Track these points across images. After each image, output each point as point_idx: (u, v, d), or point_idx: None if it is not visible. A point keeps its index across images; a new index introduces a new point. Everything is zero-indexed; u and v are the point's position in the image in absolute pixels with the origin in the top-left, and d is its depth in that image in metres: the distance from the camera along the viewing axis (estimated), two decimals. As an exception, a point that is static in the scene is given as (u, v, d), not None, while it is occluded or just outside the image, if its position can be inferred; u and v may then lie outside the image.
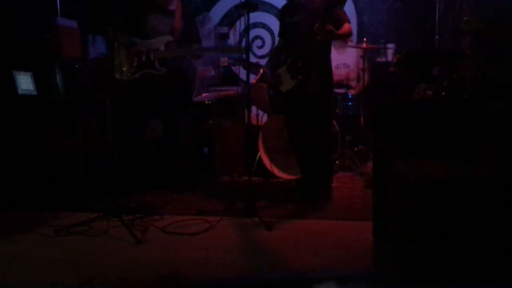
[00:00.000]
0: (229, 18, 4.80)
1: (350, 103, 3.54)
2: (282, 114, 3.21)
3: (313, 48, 2.63)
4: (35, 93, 3.25)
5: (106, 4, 3.33)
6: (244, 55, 4.26)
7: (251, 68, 3.64)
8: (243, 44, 4.62)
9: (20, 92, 3.13)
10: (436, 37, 3.77)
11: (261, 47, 4.78)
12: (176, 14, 3.01)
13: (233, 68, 4.61)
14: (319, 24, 2.50)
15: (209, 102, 3.42)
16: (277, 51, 3.12)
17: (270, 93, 3.19)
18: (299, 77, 2.72)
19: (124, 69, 2.93)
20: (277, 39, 3.29)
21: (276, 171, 3.50)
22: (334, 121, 3.51)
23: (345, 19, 2.68)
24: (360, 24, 4.42)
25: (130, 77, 2.94)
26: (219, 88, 3.97)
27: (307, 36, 2.61)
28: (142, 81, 2.97)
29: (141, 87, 2.98)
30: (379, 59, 3.93)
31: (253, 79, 3.70)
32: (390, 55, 3.77)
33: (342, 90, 3.94)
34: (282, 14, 3.01)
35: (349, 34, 2.71)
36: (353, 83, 4.02)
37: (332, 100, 2.94)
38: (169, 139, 3.13)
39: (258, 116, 3.89)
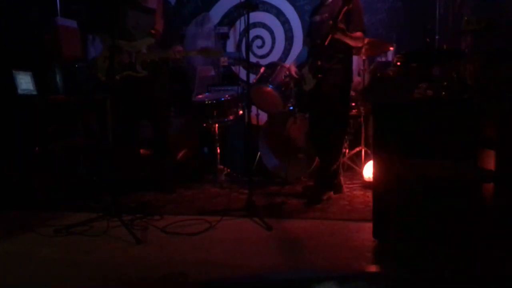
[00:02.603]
0: (229, 18, 4.79)
1: (350, 103, 3.53)
2: (307, 113, 3.26)
3: (331, 48, 2.68)
4: (35, 93, 3.25)
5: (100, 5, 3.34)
6: (228, 59, 4.28)
7: (251, 68, 3.63)
8: (243, 44, 4.62)
9: (20, 92, 3.13)
10: (436, 37, 3.76)
11: (261, 47, 4.78)
12: (157, 13, 2.99)
13: (233, 68, 4.61)
14: (332, 21, 2.57)
15: (209, 102, 3.41)
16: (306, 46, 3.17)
17: (296, 92, 3.24)
18: (319, 76, 2.76)
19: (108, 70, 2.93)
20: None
21: (276, 171, 3.49)
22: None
23: (360, 28, 2.74)
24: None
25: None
26: (219, 88, 3.97)
27: (324, 36, 2.66)
28: (124, 83, 2.96)
29: (123, 89, 2.97)
30: (379, 59, 3.92)
31: (253, 79, 3.70)
32: (390, 55, 3.76)
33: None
34: (311, 13, 3.07)
35: (358, 40, 2.77)
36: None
37: (348, 102, 3.00)
38: (158, 141, 3.14)
39: (258, 116, 3.89)
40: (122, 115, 3.02)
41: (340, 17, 2.58)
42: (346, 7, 2.56)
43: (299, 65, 3.04)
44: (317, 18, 2.88)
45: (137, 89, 3.00)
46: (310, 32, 3.02)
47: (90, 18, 3.62)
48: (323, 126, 2.88)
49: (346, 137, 3.66)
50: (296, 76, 3.01)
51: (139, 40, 2.95)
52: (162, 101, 3.14)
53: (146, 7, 2.99)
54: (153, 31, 2.98)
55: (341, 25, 2.60)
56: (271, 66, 3.56)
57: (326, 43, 2.65)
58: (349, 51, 2.88)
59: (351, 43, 2.77)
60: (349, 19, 2.68)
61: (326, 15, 2.79)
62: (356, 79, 3.84)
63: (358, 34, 2.74)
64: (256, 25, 4.70)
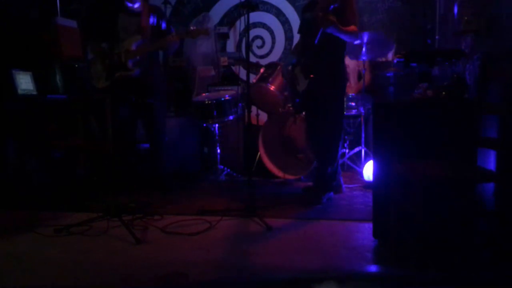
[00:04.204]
0: (229, 18, 4.79)
1: (350, 103, 3.53)
2: (300, 114, 3.21)
3: (322, 46, 2.59)
4: (35, 93, 3.24)
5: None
6: (228, 59, 4.26)
7: (251, 68, 3.63)
8: (243, 44, 4.62)
9: (20, 92, 3.12)
10: (437, 37, 3.76)
11: (261, 47, 4.78)
12: (143, 13, 3.01)
13: (233, 68, 4.61)
14: (322, 13, 2.47)
15: (209, 102, 3.41)
16: (296, 49, 3.06)
17: (289, 93, 3.18)
18: (311, 76, 2.70)
19: (101, 76, 2.95)
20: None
21: (276, 171, 3.49)
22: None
23: (352, 22, 2.62)
24: (359, 23, 4.42)
25: (107, 83, 2.95)
26: (219, 88, 3.97)
27: (315, 31, 2.56)
28: (117, 85, 2.96)
29: (117, 92, 2.97)
30: (379, 59, 3.92)
31: (253, 78, 3.70)
32: (390, 55, 3.75)
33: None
34: (302, 9, 2.98)
35: (352, 34, 2.64)
36: (352, 83, 4.00)
37: (342, 102, 2.89)
38: (153, 141, 3.12)
39: (258, 116, 3.89)
40: (118, 117, 3.01)
41: (330, 9, 2.47)
42: (332, 5, 2.45)
43: (292, 65, 2.95)
44: (308, 15, 2.78)
45: (130, 88, 3.00)
46: (302, 29, 2.93)
47: (85, 26, 3.63)
48: (318, 128, 2.82)
49: (345, 137, 3.66)
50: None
51: (126, 40, 2.96)
52: (153, 101, 3.11)
53: (133, 10, 3.02)
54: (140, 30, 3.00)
55: (332, 18, 2.46)
56: (271, 66, 3.56)
57: (318, 38, 2.53)
58: (342, 49, 2.78)
59: (345, 37, 2.64)
60: (341, 15, 2.55)
61: (317, 11, 2.65)
62: (359, 84, 3.84)
63: (352, 27, 2.60)
64: (256, 25, 4.70)
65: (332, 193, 2.90)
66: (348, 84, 3.94)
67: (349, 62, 3.88)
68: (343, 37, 2.64)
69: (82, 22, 3.75)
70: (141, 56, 2.98)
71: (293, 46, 3.45)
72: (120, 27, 2.98)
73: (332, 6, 2.48)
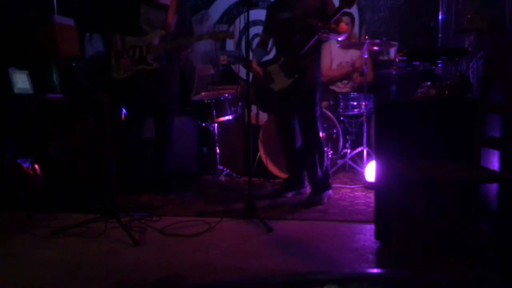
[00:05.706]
0: (229, 16, 4.74)
1: (351, 102, 3.49)
2: (272, 113, 3.15)
3: (305, 45, 2.59)
4: (31, 92, 3.21)
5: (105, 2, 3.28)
6: (227, 58, 4.20)
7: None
8: (243, 42, 4.58)
9: (16, 91, 3.09)
10: (440, 35, 3.73)
11: (261, 45, 4.73)
12: (170, 9, 2.93)
13: (232, 66, 4.57)
14: (322, 22, 2.49)
15: (208, 101, 3.37)
16: (260, 47, 3.02)
17: (258, 91, 3.10)
18: (296, 76, 2.67)
19: (119, 67, 2.87)
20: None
21: (276, 171, 3.46)
22: (335, 121, 3.47)
23: (341, 19, 2.72)
24: (362, 21, 4.38)
25: (125, 75, 2.88)
26: (219, 87, 3.93)
27: (303, 33, 2.57)
28: (136, 78, 2.90)
29: (134, 85, 2.91)
30: (381, 57, 3.87)
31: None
32: (393, 53, 3.71)
33: (343, 90, 3.90)
34: (271, 9, 2.92)
35: (346, 32, 2.75)
36: (357, 79, 3.95)
37: (320, 103, 2.87)
38: (161, 139, 3.06)
39: (258, 115, 3.85)
40: (129, 113, 2.96)
41: (334, 19, 2.50)
42: (343, 8, 2.46)
43: (263, 63, 2.91)
44: (286, 15, 2.72)
45: (147, 84, 2.93)
46: (275, 29, 2.86)
47: (99, 16, 3.56)
48: (300, 130, 2.82)
49: (347, 137, 3.62)
50: (262, 74, 2.88)
51: (149, 34, 2.88)
52: (167, 100, 3.05)
53: (159, 3, 2.92)
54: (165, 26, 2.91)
55: (333, 25, 2.54)
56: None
57: (309, 44, 2.55)
58: (320, 48, 2.82)
59: (340, 36, 2.73)
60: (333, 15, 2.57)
61: (299, 12, 2.65)
62: (359, 78, 3.80)
63: (342, 25, 2.68)
64: (256, 23, 4.66)
65: (331, 191, 2.87)
66: (353, 80, 3.92)
67: (355, 58, 3.84)
68: (339, 37, 2.74)
69: (97, 11, 3.66)
70: (161, 53, 2.89)
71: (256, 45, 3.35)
72: (143, 20, 2.88)
73: (340, 12, 2.50)
